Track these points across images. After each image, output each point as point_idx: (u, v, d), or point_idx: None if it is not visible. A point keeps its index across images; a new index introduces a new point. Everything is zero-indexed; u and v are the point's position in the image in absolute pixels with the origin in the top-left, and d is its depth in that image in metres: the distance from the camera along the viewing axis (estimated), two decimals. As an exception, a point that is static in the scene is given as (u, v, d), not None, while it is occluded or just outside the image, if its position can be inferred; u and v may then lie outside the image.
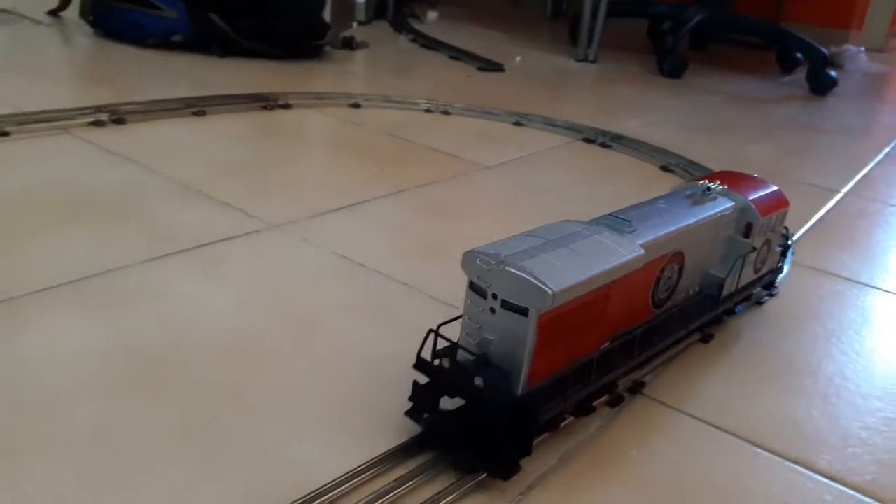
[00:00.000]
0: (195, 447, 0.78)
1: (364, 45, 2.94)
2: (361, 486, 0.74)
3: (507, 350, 0.76)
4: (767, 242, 1.14)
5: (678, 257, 0.97)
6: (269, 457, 0.78)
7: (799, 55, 3.51)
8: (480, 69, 2.81)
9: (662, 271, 0.95)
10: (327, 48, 2.75)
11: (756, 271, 1.15)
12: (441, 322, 0.80)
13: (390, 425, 0.83)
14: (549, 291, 0.72)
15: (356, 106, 2.10)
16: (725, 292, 1.08)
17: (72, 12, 2.75)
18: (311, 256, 1.23)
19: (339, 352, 0.98)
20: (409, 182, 1.60)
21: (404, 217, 1.44)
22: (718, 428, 0.92)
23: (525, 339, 0.74)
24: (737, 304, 1.16)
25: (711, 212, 1.02)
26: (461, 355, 0.80)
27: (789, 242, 1.24)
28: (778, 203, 1.14)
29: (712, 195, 1.05)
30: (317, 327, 1.03)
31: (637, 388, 0.96)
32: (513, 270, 0.74)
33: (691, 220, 0.98)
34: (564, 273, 0.75)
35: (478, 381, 0.75)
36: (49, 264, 1.10)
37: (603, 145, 2.04)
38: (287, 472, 0.76)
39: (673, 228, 0.94)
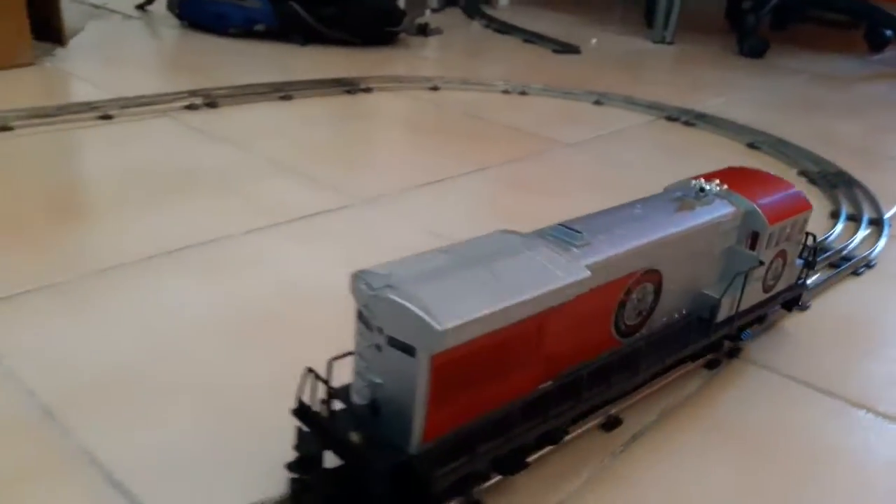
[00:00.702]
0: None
1: (438, 31, 2.97)
2: None
3: (397, 397, 0.61)
4: (782, 254, 0.94)
5: (653, 276, 0.80)
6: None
7: (889, 32, 3.37)
8: (555, 51, 2.80)
9: (629, 293, 0.78)
10: (402, 35, 2.79)
11: (767, 289, 0.95)
12: (334, 356, 0.66)
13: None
14: (438, 328, 0.57)
15: (435, 89, 2.13)
16: (722, 315, 0.89)
17: (158, 6, 2.87)
18: (402, 229, 1.26)
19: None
20: (492, 159, 1.62)
21: (490, 192, 1.45)
22: (819, 389, 0.91)
23: (415, 384, 0.59)
24: (742, 328, 0.96)
25: (703, 219, 0.84)
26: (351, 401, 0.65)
27: (814, 253, 1.01)
28: (795, 207, 0.94)
29: (707, 198, 0.86)
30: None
31: (735, 353, 0.96)
32: (397, 299, 0.58)
33: (672, 230, 0.80)
34: (467, 303, 0.60)
35: (354, 436, 0.61)
36: (160, 233, 1.16)
37: (686, 123, 2.01)
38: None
39: (642, 241, 0.76)
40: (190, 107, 1.76)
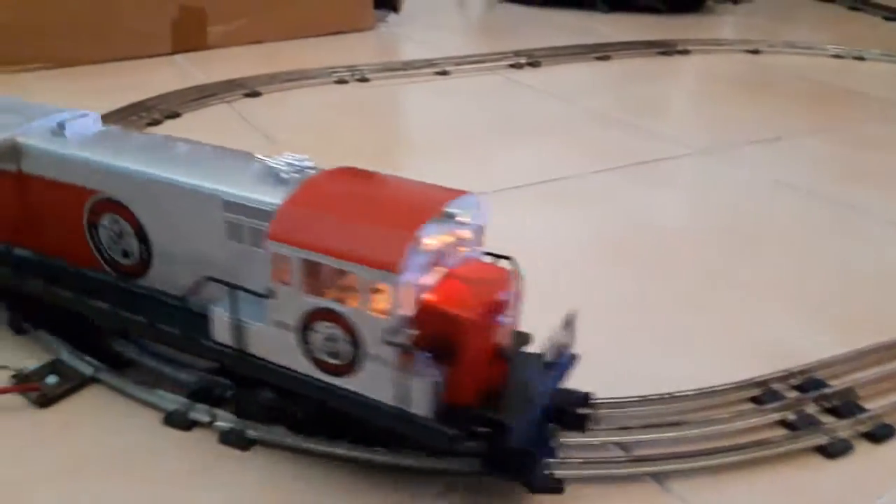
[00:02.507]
0: (689, 316, 0.85)
1: (748, -2, 2.82)
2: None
3: None
4: (336, 321, 0.57)
5: (122, 210, 0.67)
6: (756, 332, 0.82)
7: None
8: (887, 19, 2.53)
9: (97, 215, 0.69)
10: (710, 2, 2.69)
11: (321, 366, 0.59)
12: None
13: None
14: None
15: (755, 52, 2.03)
16: (220, 335, 0.63)
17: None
18: (745, 178, 1.23)
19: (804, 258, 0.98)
20: (833, 121, 1.51)
21: (835, 150, 1.36)
22: None
23: None
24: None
25: (206, 181, 0.64)
26: None
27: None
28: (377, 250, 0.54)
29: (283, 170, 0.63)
30: (772, 239, 1.04)
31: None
32: None
33: (146, 168, 0.66)
34: None
35: None
36: (513, 169, 1.24)
37: None
38: (777, 348, 0.79)
39: (93, 157, 0.68)
40: (514, 65, 1.85)
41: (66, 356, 0.74)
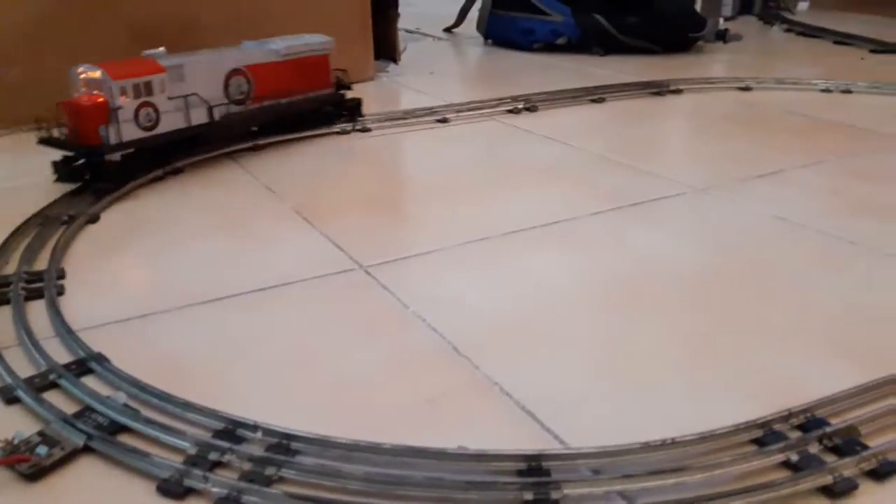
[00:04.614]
0: (693, 357, 0.86)
1: (737, 37, 2.88)
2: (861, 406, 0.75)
3: None
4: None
5: None
6: (759, 371, 0.82)
7: None
8: (874, 51, 2.58)
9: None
10: (700, 42, 2.75)
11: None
12: None
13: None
14: None
15: (746, 89, 2.07)
16: None
17: (462, 30, 3.12)
18: (743, 215, 1.25)
19: (806, 296, 0.99)
20: (826, 154, 1.53)
21: (831, 183, 1.38)
22: None
23: None
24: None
25: None
26: None
27: None
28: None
29: None
30: (773, 276, 1.05)
31: None
32: None
33: None
34: None
35: None
36: (513, 213, 1.26)
37: None
38: (780, 387, 0.79)
39: None
40: (512, 111, 1.89)
41: (57, 425, 0.72)
